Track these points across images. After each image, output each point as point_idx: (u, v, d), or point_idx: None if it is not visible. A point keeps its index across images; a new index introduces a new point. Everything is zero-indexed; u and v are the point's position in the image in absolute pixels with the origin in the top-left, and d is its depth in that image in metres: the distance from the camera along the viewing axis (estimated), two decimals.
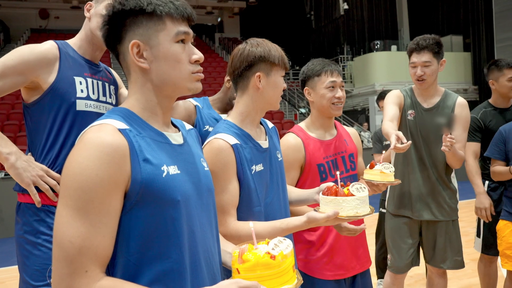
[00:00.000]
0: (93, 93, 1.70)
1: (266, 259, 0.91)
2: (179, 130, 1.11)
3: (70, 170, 0.88)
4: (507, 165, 2.63)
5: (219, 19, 22.24)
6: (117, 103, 1.82)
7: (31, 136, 1.66)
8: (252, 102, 1.52)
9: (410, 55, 2.54)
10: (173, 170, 0.98)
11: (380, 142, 3.85)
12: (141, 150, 0.93)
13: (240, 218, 1.43)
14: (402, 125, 2.62)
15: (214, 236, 1.11)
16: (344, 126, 2.15)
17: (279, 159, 1.61)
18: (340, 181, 1.44)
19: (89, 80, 1.71)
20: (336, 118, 3.74)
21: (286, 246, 0.96)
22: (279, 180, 1.56)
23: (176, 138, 1.06)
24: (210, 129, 2.08)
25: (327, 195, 1.34)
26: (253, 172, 1.44)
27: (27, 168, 1.54)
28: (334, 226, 1.79)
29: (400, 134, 2.07)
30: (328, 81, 1.90)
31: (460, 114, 2.53)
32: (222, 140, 1.41)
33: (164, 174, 0.95)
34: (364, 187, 1.37)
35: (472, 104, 15.03)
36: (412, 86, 2.66)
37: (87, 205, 0.86)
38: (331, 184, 1.46)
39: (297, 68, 18.76)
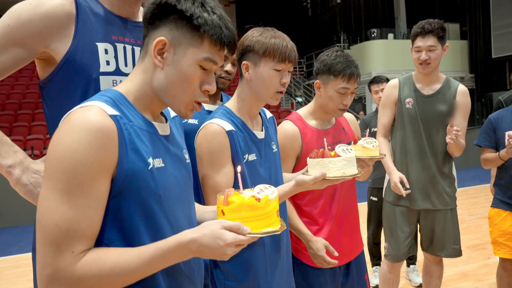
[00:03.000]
0: (126, 65, 1.26)
1: (251, 200, 0.93)
2: (166, 120, 1.09)
3: (58, 153, 0.85)
4: (495, 152, 2.65)
5: None
6: None
7: (48, 123, 1.28)
8: (245, 92, 1.50)
9: (414, 39, 2.50)
10: (158, 163, 0.96)
11: (367, 128, 3.85)
12: (130, 139, 0.91)
13: None
14: (398, 115, 2.59)
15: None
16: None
17: (274, 151, 1.59)
18: (328, 146, 1.44)
19: (120, 46, 1.25)
20: None
21: (271, 192, 0.98)
22: (272, 172, 1.55)
23: (164, 128, 1.04)
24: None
25: (314, 158, 1.36)
26: (245, 161, 1.43)
27: (38, 181, 1.16)
28: (309, 252, 1.81)
29: (404, 179, 2.31)
30: (342, 86, 1.81)
31: (461, 101, 2.50)
32: (217, 125, 1.40)
33: (150, 167, 0.94)
34: (351, 149, 1.39)
35: (469, 92, 14.89)
36: (412, 73, 2.62)
37: (76, 189, 0.84)
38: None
39: None
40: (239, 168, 1.07)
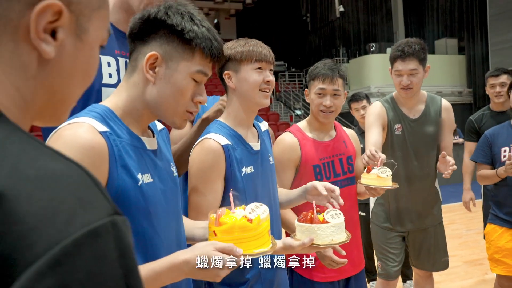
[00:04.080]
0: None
1: (243, 222, 0.93)
2: (154, 134, 1.09)
3: None
4: (493, 169, 2.66)
5: (215, 21, 22.21)
6: None
7: (43, 134, 1.30)
8: (235, 103, 1.52)
9: (393, 62, 2.32)
10: (146, 178, 0.96)
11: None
12: (120, 155, 0.91)
13: None
14: (388, 142, 2.45)
15: (180, 244, 1.09)
16: (344, 128, 2.12)
17: (271, 163, 1.60)
18: (317, 208, 1.42)
19: (122, 60, 1.32)
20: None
21: (262, 211, 0.98)
22: (270, 184, 1.56)
23: (151, 143, 1.04)
24: None
25: (303, 223, 1.34)
26: (243, 174, 1.44)
27: None
28: (317, 254, 1.77)
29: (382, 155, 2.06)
30: (317, 87, 1.87)
31: (447, 118, 2.44)
32: (213, 140, 1.40)
33: (140, 183, 0.93)
34: (340, 213, 1.36)
35: (467, 107, 14.90)
36: (393, 94, 2.48)
37: None
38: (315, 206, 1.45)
39: (293, 70, 18.75)
40: (231, 192, 1.09)
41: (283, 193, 1.70)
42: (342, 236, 1.34)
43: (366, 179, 1.82)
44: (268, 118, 12.76)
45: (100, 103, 1.00)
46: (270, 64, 1.51)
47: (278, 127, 12.09)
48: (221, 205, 1.46)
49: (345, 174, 1.96)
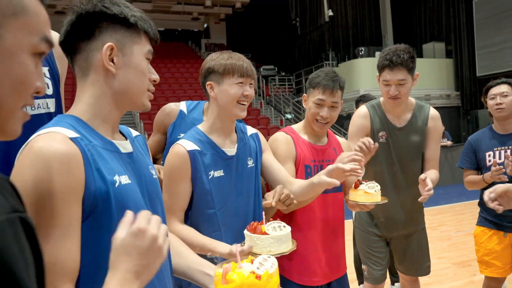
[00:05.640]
0: (48, 87, 1.33)
1: (251, 280, 0.88)
2: (126, 138, 1.10)
3: (24, 184, 0.82)
4: (479, 174, 2.68)
5: (205, 25, 22.23)
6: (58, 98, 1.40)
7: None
8: (214, 111, 1.62)
9: (381, 71, 2.22)
10: (124, 180, 0.96)
11: None
12: (93, 159, 0.91)
13: (193, 219, 1.56)
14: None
15: None
16: (337, 136, 2.13)
17: (249, 166, 1.65)
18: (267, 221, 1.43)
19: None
20: None
21: (271, 265, 0.94)
22: (244, 187, 1.62)
23: (125, 146, 1.05)
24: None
25: (249, 231, 1.38)
26: (210, 177, 1.55)
27: None
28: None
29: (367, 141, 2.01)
30: (317, 97, 1.89)
31: (433, 127, 2.35)
32: (181, 146, 1.54)
33: (117, 184, 0.93)
34: (284, 226, 1.39)
35: (455, 110, 15.00)
36: (380, 99, 2.41)
37: (47, 220, 0.83)
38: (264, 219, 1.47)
39: (283, 74, 18.83)
40: (236, 246, 1.10)
41: (295, 182, 1.69)
42: (283, 247, 1.37)
43: (354, 195, 1.80)
44: (258, 122, 12.78)
45: (64, 114, 1.00)
46: (251, 79, 1.60)
47: (269, 131, 12.10)
48: (191, 207, 1.55)
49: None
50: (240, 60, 1.58)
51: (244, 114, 1.60)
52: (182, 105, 2.09)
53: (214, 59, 1.59)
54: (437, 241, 5.37)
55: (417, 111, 2.35)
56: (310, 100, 1.93)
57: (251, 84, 1.61)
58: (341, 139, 2.13)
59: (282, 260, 1.89)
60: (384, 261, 2.56)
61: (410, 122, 2.33)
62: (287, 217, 1.89)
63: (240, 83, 1.56)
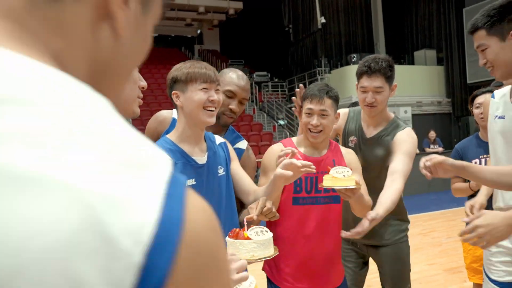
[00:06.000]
0: None
1: None
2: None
3: None
4: (465, 182, 2.69)
5: (198, 31, 22.26)
6: None
7: None
8: (182, 120, 1.64)
9: (359, 78, 2.22)
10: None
11: None
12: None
13: None
14: None
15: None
16: (342, 148, 2.09)
17: (220, 175, 1.67)
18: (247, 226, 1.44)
19: None
20: None
21: (248, 284, 0.96)
22: (216, 195, 1.63)
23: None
24: None
25: (230, 238, 1.39)
26: None
27: None
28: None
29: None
30: (306, 107, 1.93)
31: (398, 139, 2.16)
32: None
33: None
34: (266, 231, 1.41)
35: (446, 116, 15.11)
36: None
37: None
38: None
39: (276, 80, 18.89)
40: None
41: (260, 190, 1.70)
42: (266, 252, 1.38)
43: (324, 181, 1.75)
44: (251, 128, 12.78)
45: None
46: (216, 84, 1.61)
47: (262, 137, 12.11)
48: None
49: (328, 192, 1.90)
50: (202, 67, 1.60)
51: (212, 120, 1.60)
52: (174, 113, 2.07)
53: (178, 69, 1.62)
54: (428, 247, 5.40)
55: (389, 126, 2.26)
56: (303, 111, 1.97)
57: (217, 90, 1.63)
58: (345, 150, 2.08)
59: (274, 266, 1.91)
60: (354, 271, 2.37)
61: (378, 135, 2.26)
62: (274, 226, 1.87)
63: (205, 88, 1.58)
